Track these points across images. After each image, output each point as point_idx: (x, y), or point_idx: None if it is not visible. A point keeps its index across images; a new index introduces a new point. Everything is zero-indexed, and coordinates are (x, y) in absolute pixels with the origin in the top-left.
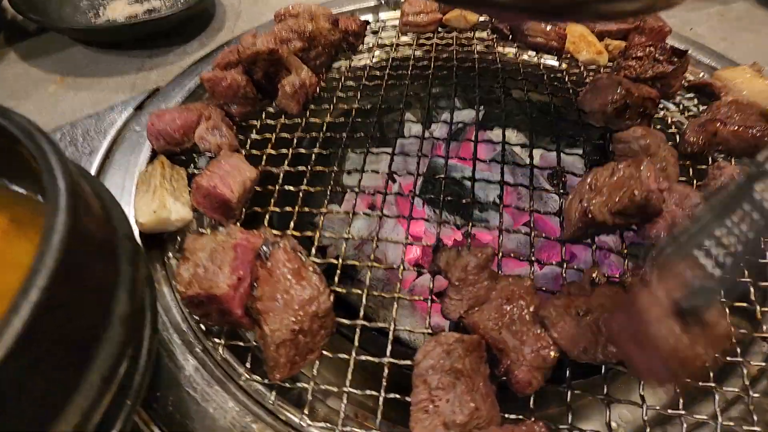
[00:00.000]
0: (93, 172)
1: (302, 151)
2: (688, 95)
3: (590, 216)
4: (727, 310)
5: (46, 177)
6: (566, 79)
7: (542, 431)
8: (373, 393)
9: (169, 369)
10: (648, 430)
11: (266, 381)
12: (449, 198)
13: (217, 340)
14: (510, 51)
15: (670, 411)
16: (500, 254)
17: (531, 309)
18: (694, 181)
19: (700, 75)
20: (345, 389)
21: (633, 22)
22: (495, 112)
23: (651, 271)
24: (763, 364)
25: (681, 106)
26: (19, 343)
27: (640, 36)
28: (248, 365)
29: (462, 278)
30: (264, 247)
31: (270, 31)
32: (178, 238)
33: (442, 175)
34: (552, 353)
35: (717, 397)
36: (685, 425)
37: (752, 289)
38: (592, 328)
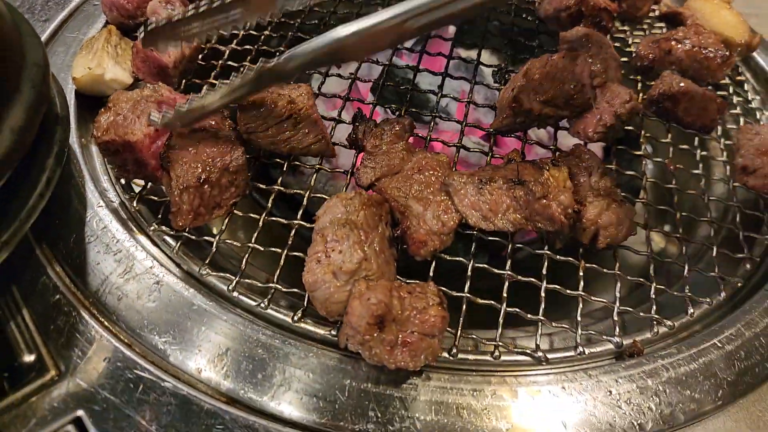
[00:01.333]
0: (43, 38)
1: (254, 33)
2: (659, 24)
3: (519, 102)
4: None
5: None
6: None
7: (435, 291)
8: (277, 250)
9: (78, 212)
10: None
11: (173, 232)
12: (389, 84)
13: (133, 194)
14: None
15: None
16: (429, 138)
17: (440, 180)
18: (640, 95)
19: None
20: (249, 245)
21: None
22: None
23: None
24: None
25: (647, 33)
26: None
27: None
28: (159, 217)
29: (376, 146)
30: None
31: None
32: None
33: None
34: (452, 220)
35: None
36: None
37: None
38: (492, 196)
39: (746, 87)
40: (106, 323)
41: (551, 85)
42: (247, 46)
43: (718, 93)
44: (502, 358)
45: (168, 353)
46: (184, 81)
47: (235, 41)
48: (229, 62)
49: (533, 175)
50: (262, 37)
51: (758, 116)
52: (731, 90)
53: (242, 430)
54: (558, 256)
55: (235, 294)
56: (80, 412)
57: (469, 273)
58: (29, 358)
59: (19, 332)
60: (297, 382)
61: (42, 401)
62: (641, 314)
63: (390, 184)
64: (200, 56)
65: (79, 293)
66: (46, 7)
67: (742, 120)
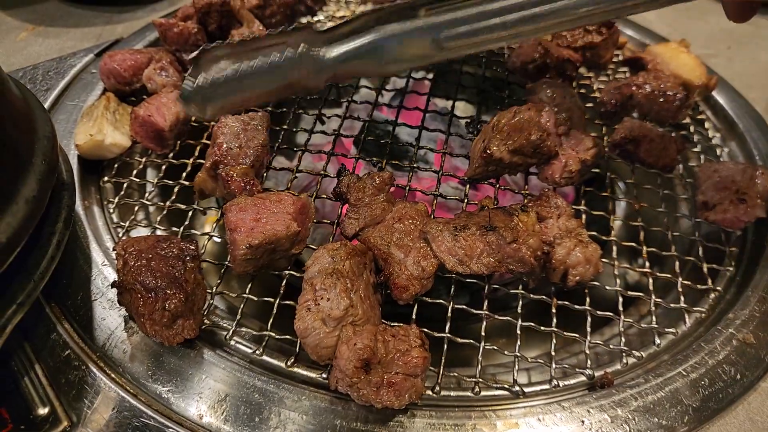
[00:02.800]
0: (46, 106)
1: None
2: (622, 69)
3: (489, 152)
4: None
5: None
6: (505, 45)
7: (417, 334)
8: (270, 299)
9: (84, 271)
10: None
11: None
12: (370, 138)
13: None
14: None
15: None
16: (408, 188)
17: (419, 228)
18: (604, 138)
19: None
20: (244, 295)
21: None
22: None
23: None
24: None
25: (611, 77)
26: None
27: None
28: None
29: (359, 198)
30: None
31: None
32: (114, 166)
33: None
34: (431, 265)
35: None
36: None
37: None
38: (467, 241)
39: (707, 125)
40: (112, 375)
41: (519, 135)
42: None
43: (681, 132)
44: (482, 393)
45: (171, 401)
46: (179, 142)
47: None
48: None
49: (503, 221)
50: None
51: (718, 153)
52: (692, 129)
53: None
54: (532, 295)
55: (232, 342)
56: None
57: (449, 314)
58: (43, 411)
59: (33, 387)
60: (292, 424)
61: None
62: (611, 347)
63: (373, 233)
64: (193, 118)
65: (87, 348)
66: (46, 77)
67: (702, 157)
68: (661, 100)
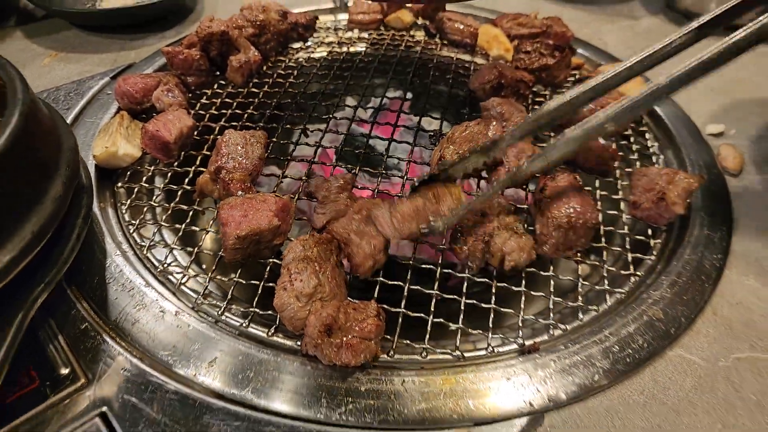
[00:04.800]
0: (68, 122)
1: (238, 111)
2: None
3: (441, 160)
4: None
5: (9, 96)
6: (472, 68)
7: (374, 307)
8: (255, 282)
9: (99, 260)
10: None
11: (176, 274)
12: (347, 149)
13: (142, 246)
14: (436, 46)
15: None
16: (377, 190)
17: (381, 211)
18: None
19: None
20: (234, 279)
21: (542, 27)
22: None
23: None
24: None
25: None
26: None
27: (546, 38)
28: (156, 261)
29: (326, 196)
30: None
31: (227, 19)
32: (127, 174)
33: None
34: (379, 242)
35: None
36: None
37: None
38: (401, 212)
39: (648, 135)
40: (123, 343)
41: (469, 145)
42: (234, 123)
43: (622, 141)
44: (429, 357)
45: (171, 363)
46: (182, 153)
47: (223, 119)
48: (218, 136)
49: (433, 191)
50: (245, 114)
51: (654, 160)
52: (632, 139)
53: (226, 416)
54: (476, 278)
55: (223, 317)
56: (104, 409)
57: (405, 293)
58: (65, 370)
59: (56, 352)
60: (269, 381)
61: (76, 401)
62: (541, 321)
63: (336, 225)
64: (195, 132)
65: (101, 322)
66: (68, 97)
67: (638, 164)
68: None
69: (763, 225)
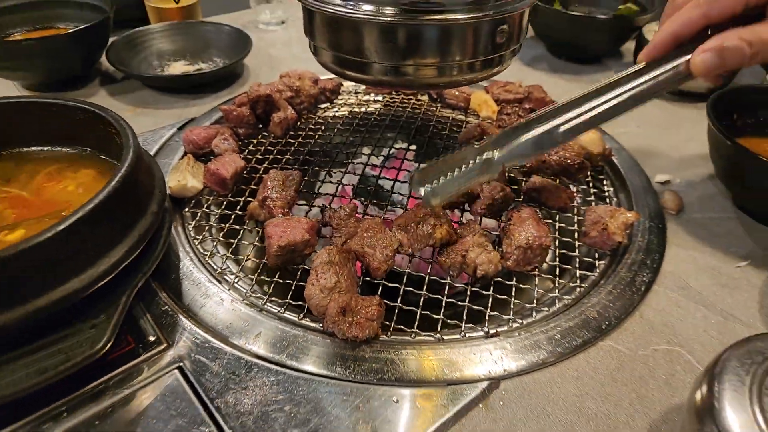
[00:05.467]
0: None
1: (278, 156)
2: None
3: None
4: None
5: (123, 142)
6: (464, 126)
7: (377, 299)
8: (290, 281)
9: (174, 263)
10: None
11: (230, 275)
12: (361, 186)
13: (205, 254)
14: (435, 108)
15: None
16: (383, 217)
17: (380, 231)
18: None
19: None
20: (274, 279)
21: (524, 93)
22: (416, 146)
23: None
24: None
25: None
26: (95, 209)
27: (528, 102)
28: (215, 266)
29: (338, 223)
30: None
31: (269, 84)
32: (191, 201)
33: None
34: (390, 251)
35: None
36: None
37: None
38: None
39: (605, 181)
40: (193, 321)
41: None
42: (275, 165)
43: (582, 186)
44: (416, 338)
45: (227, 335)
46: (235, 187)
47: (266, 162)
48: (263, 175)
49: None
50: (284, 159)
51: (608, 201)
52: (591, 184)
53: (267, 372)
54: (455, 284)
55: (266, 306)
56: (181, 364)
57: (400, 293)
58: (152, 338)
59: (146, 325)
60: (299, 349)
61: (160, 358)
62: (504, 316)
63: (352, 243)
64: (244, 172)
65: (177, 306)
66: (145, 143)
67: (593, 203)
68: (565, 164)
69: (690, 253)
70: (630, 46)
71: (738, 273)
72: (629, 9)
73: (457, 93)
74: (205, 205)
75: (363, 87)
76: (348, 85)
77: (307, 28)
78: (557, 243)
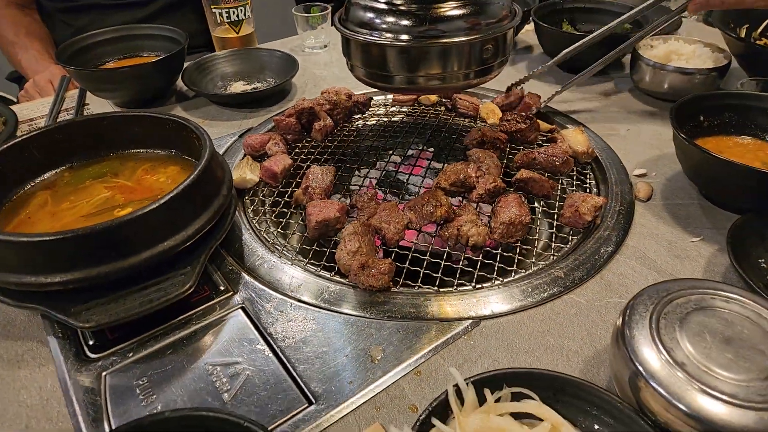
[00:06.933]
0: None
1: (318, 156)
2: (546, 143)
3: (438, 184)
4: None
5: (202, 144)
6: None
7: (389, 261)
8: (324, 249)
9: (237, 235)
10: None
11: (279, 246)
12: (382, 179)
13: (260, 230)
14: (450, 116)
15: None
16: (399, 202)
17: (396, 210)
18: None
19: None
20: (314, 248)
21: (516, 98)
22: (433, 148)
23: None
24: None
25: (530, 149)
26: (183, 190)
27: (522, 108)
28: (268, 239)
29: (362, 205)
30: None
31: (312, 99)
32: (250, 191)
33: (379, 170)
34: (401, 226)
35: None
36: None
37: None
38: (417, 211)
39: (589, 175)
40: (252, 276)
41: (454, 176)
42: (316, 163)
43: (567, 178)
44: (418, 290)
45: (277, 286)
46: (284, 180)
47: (309, 161)
48: (306, 170)
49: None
50: (322, 159)
51: (588, 191)
52: (575, 177)
53: (306, 311)
54: (452, 252)
55: (306, 267)
56: (244, 305)
57: (408, 257)
58: (222, 287)
59: (219, 279)
60: (332, 294)
61: (228, 301)
62: (488, 276)
63: (372, 219)
64: (291, 168)
65: (240, 266)
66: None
67: (574, 191)
68: (551, 160)
69: (652, 231)
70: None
71: (691, 246)
72: (624, 28)
73: (467, 103)
74: (261, 195)
75: (390, 99)
76: (378, 98)
77: (345, 51)
78: (538, 223)
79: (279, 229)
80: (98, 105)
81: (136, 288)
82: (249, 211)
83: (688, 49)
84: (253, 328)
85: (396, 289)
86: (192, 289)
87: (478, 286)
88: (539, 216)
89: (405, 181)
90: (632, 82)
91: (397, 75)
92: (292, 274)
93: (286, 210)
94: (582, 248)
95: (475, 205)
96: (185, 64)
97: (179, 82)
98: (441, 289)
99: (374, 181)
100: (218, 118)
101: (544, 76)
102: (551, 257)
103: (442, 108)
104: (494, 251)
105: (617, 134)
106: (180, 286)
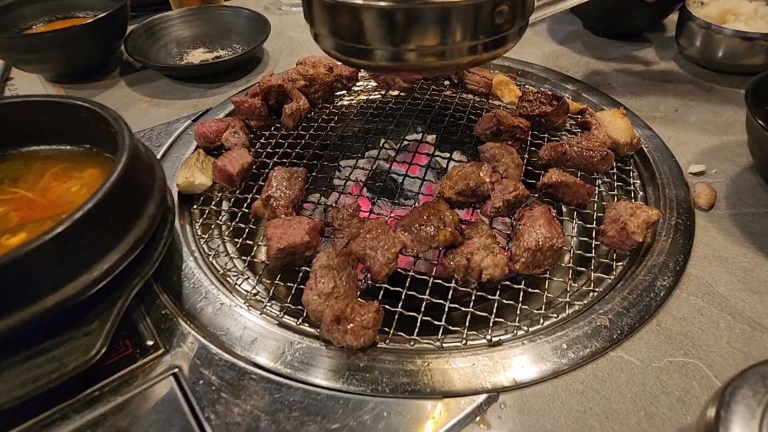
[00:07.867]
0: (159, 157)
1: (288, 150)
2: (576, 129)
3: (440, 193)
4: None
5: (119, 143)
6: (483, 113)
7: (375, 305)
8: (291, 284)
9: (177, 264)
10: None
11: (233, 276)
12: (369, 182)
13: (208, 255)
14: (455, 94)
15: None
16: (391, 214)
17: (383, 233)
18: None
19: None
20: (275, 282)
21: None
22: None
23: None
24: None
25: (565, 137)
26: (87, 213)
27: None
28: (219, 267)
29: (341, 224)
30: None
31: (284, 73)
32: (200, 198)
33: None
34: (392, 254)
35: None
36: None
37: None
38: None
39: (632, 173)
40: (192, 325)
41: (462, 182)
42: (284, 159)
43: (606, 179)
44: (416, 346)
45: (224, 341)
46: (243, 183)
47: (276, 156)
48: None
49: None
50: (294, 153)
51: (633, 195)
52: (615, 177)
53: (263, 382)
54: (460, 288)
55: (266, 309)
56: (176, 370)
57: (403, 297)
58: (150, 342)
59: (145, 329)
60: (297, 355)
61: (157, 364)
62: (509, 323)
63: (354, 245)
64: (254, 167)
65: (177, 309)
66: (159, 136)
67: (616, 198)
68: (587, 155)
69: (719, 254)
70: (674, 17)
71: None
72: None
73: (477, 78)
74: (214, 202)
75: None
76: None
77: (306, 14)
78: (573, 243)
79: (234, 252)
80: (26, 81)
81: (17, 357)
82: (197, 226)
83: (749, 8)
84: (186, 410)
85: (384, 345)
86: (99, 356)
87: (494, 339)
88: (572, 233)
89: (400, 182)
90: (677, 47)
91: (379, 48)
92: (245, 322)
93: (244, 225)
94: (630, 280)
95: (489, 219)
96: (130, 27)
97: (122, 51)
98: (445, 344)
99: (360, 184)
100: (170, 96)
101: (572, 43)
102: (590, 294)
103: (447, 83)
104: (515, 286)
105: (663, 116)
106: (82, 352)
